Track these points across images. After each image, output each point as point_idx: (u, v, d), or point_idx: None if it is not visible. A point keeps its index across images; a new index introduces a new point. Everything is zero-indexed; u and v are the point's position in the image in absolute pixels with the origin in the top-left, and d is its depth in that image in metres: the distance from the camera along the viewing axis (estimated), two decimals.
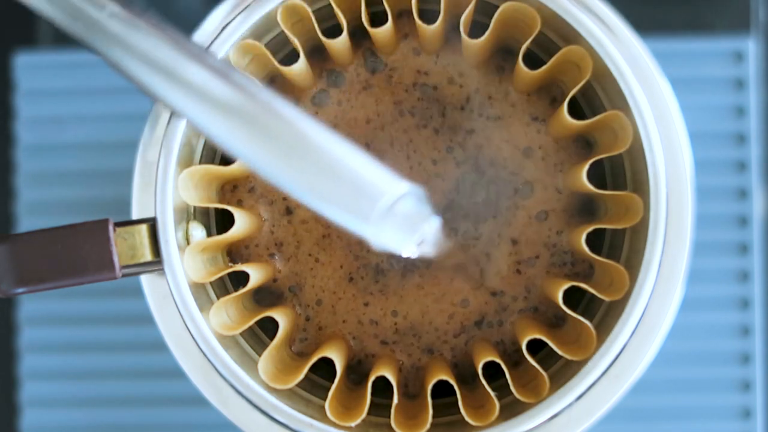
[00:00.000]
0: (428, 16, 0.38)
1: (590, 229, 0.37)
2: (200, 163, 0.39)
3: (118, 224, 0.36)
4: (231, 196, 0.40)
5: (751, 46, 0.54)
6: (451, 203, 0.40)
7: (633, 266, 0.37)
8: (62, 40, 0.57)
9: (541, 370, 0.36)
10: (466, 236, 0.40)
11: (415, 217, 0.29)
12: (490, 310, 0.40)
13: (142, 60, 0.29)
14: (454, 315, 0.40)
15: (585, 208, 0.40)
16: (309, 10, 0.37)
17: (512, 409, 0.37)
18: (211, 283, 0.39)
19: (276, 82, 0.40)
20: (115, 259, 0.35)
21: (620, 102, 0.37)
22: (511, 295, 0.40)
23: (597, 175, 0.41)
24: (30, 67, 0.56)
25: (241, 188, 0.40)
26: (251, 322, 0.38)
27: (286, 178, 0.28)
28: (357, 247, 0.40)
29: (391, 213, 0.28)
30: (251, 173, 0.40)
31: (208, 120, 0.28)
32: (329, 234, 0.41)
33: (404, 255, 0.30)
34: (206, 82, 0.28)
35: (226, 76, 0.28)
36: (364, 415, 0.37)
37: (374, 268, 0.40)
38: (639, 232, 0.37)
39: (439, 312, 0.40)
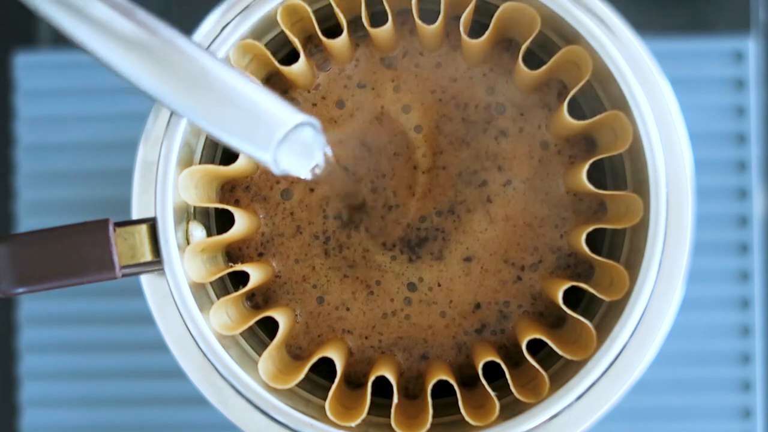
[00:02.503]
0: (428, 16, 0.38)
1: (590, 229, 0.37)
2: (200, 163, 0.39)
3: (118, 224, 0.36)
4: (230, 195, 0.40)
5: (751, 46, 0.54)
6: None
7: (633, 266, 0.37)
8: (62, 40, 0.57)
9: (541, 370, 0.36)
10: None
11: (311, 145, 0.31)
12: (492, 320, 0.40)
13: None
14: (455, 323, 0.40)
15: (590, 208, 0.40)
16: (309, 9, 0.37)
17: (512, 409, 0.37)
18: (211, 283, 0.39)
19: (275, 80, 0.40)
20: (115, 259, 0.35)
21: (620, 102, 0.37)
22: (516, 304, 0.40)
23: (597, 175, 0.41)
24: (30, 67, 0.56)
25: (238, 188, 0.40)
26: (251, 322, 0.38)
27: (189, 109, 0.30)
28: (359, 247, 0.40)
29: (288, 141, 0.30)
30: (251, 172, 0.40)
31: (112, 55, 0.30)
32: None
33: (302, 177, 0.31)
34: (110, 19, 0.29)
35: (130, 14, 0.30)
36: (364, 415, 0.37)
37: (375, 269, 0.40)
38: (639, 232, 0.37)
39: (439, 318, 0.40)
